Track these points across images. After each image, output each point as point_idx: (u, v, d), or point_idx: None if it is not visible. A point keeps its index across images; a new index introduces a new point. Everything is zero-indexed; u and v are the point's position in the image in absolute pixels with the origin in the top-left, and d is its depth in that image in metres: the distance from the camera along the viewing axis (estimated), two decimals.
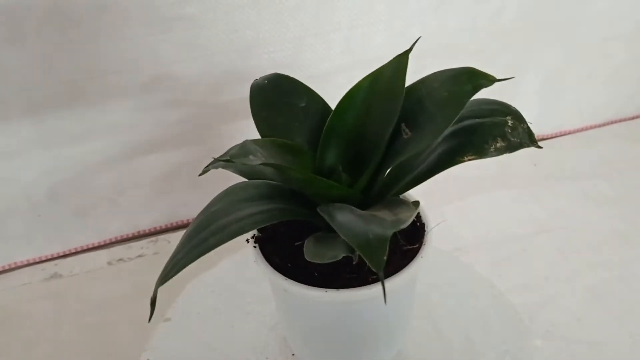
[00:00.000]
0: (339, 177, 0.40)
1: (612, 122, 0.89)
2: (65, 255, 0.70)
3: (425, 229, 0.44)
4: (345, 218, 0.33)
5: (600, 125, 0.89)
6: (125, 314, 0.61)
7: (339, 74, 0.69)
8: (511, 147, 0.36)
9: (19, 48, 0.57)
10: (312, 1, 0.63)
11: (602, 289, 0.61)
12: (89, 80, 0.61)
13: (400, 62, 0.40)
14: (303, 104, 0.45)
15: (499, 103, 0.39)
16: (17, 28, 0.56)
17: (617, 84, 0.86)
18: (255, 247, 0.43)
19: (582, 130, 0.88)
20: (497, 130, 0.37)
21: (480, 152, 0.37)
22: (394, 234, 0.42)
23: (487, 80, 0.36)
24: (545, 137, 0.87)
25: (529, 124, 0.38)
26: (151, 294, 0.60)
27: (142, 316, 0.57)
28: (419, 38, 0.41)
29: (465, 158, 0.37)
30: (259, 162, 0.35)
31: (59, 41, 0.58)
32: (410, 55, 0.70)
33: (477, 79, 0.36)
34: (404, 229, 0.34)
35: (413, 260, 0.41)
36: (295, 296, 0.41)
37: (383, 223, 0.32)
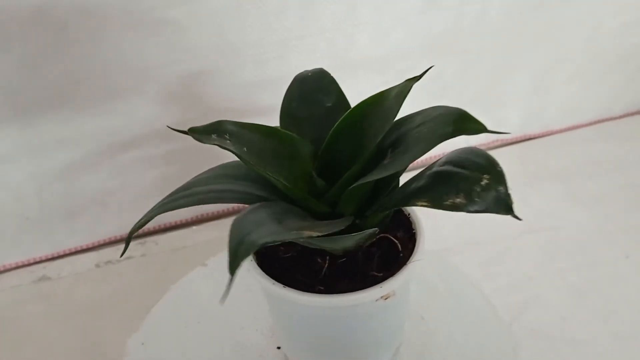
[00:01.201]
0: (314, 182, 0.41)
1: (598, 122, 0.90)
2: (53, 258, 0.70)
3: (409, 260, 0.42)
4: (253, 217, 0.32)
5: (587, 125, 0.89)
6: (114, 316, 0.61)
7: None
8: (472, 208, 0.33)
9: (5, 52, 0.57)
10: (296, 4, 0.63)
11: (587, 288, 0.61)
12: (76, 84, 0.61)
13: (405, 86, 0.38)
14: (329, 104, 0.45)
15: (487, 158, 0.35)
16: (1, 32, 0.56)
17: (604, 83, 0.86)
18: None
19: (568, 129, 0.89)
20: (464, 185, 0.34)
21: (434, 202, 0.34)
22: (367, 256, 0.42)
23: (475, 127, 0.33)
24: (532, 136, 0.87)
25: (509, 190, 0.34)
26: (139, 295, 0.61)
27: (130, 318, 0.58)
28: (430, 67, 0.40)
29: (419, 203, 0.35)
30: (216, 143, 0.36)
31: (45, 45, 0.58)
32: (397, 57, 0.71)
33: (463, 123, 0.34)
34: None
35: (368, 288, 0.39)
36: (280, 297, 0.42)
37: (268, 231, 0.31)
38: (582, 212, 0.72)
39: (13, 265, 0.69)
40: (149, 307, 0.58)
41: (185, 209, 0.75)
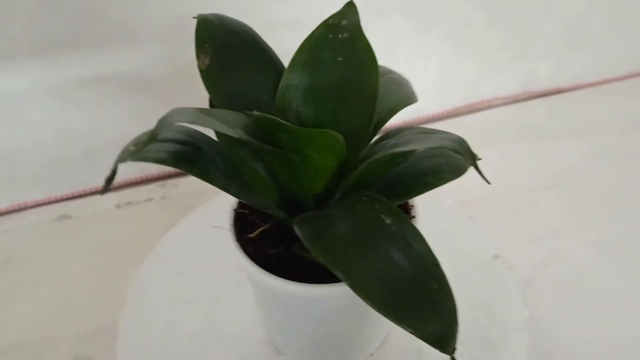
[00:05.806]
0: None
1: (631, 76, 0.87)
2: (74, 197, 0.70)
3: None
4: None
5: (619, 79, 0.87)
6: (133, 256, 0.61)
7: None
8: None
9: None
10: None
11: (609, 244, 0.61)
12: (97, 21, 0.60)
13: None
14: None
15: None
16: None
17: (638, 36, 0.84)
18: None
19: (599, 83, 0.86)
20: None
21: None
22: None
23: None
24: (561, 89, 0.85)
25: None
26: (158, 236, 0.60)
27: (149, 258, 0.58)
28: None
29: None
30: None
31: None
32: (426, 1, 0.69)
33: None
34: None
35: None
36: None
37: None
38: (608, 168, 0.71)
39: (33, 203, 0.69)
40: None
41: None
